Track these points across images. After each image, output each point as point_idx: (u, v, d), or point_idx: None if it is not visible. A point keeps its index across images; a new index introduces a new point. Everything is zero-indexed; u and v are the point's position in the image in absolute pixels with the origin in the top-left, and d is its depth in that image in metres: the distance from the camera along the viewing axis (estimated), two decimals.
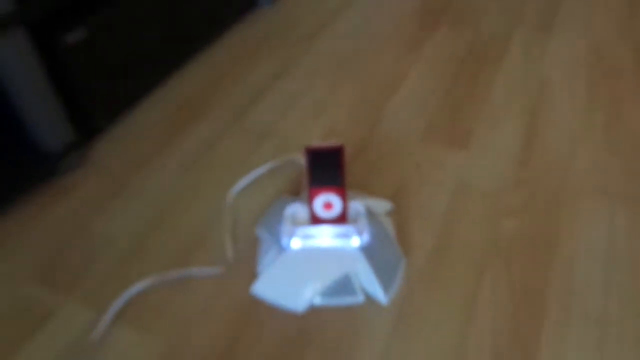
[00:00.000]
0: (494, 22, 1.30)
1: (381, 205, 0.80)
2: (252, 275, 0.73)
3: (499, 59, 1.16)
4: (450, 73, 1.13)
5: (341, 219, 0.70)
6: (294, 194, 0.85)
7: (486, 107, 1.02)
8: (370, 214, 0.74)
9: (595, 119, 0.98)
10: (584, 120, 0.98)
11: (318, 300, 0.69)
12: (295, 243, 0.70)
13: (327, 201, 0.69)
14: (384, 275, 0.69)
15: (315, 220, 0.70)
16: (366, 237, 0.70)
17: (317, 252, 0.70)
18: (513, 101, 1.04)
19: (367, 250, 0.70)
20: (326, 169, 0.67)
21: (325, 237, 0.70)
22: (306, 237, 0.70)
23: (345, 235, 0.70)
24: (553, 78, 1.09)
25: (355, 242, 0.70)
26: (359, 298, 0.69)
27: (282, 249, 0.71)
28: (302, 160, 0.91)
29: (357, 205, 0.74)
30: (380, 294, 0.69)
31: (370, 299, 0.69)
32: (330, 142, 0.68)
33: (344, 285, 0.69)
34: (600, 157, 0.90)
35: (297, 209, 0.74)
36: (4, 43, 0.76)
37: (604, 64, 1.13)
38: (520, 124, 0.98)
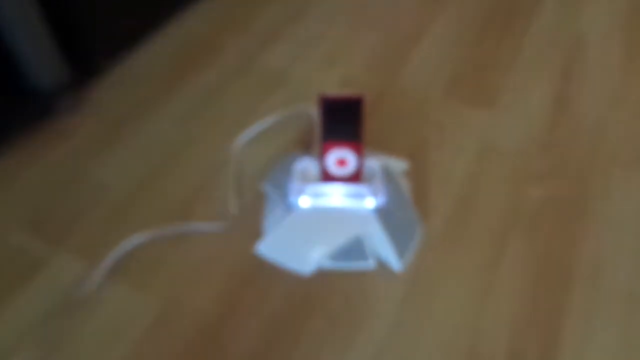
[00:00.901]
0: None
1: (398, 165, 0.74)
2: (257, 234, 0.68)
3: (531, 10, 1.07)
4: (478, 24, 1.04)
5: (355, 177, 0.65)
6: (305, 147, 0.79)
7: (515, 63, 0.94)
8: (387, 174, 0.68)
9: (633, 82, 0.90)
10: (621, 83, 0.90)
11: (327, 264, 0.64)
12: (304, 201, 0.64)
13: (341, 157, 0.63)
14: (398, 240, 0.64)
15: (327, 177, 0.65)
16: (381, 198, 0.64)
17: (328, 212, 0.65)
18: (545, 58, 0.95)
19: (382, 213, 0.64)
20: (342, 121, 0.61)
21: (336, 196, 0.65)
22: (316, 195, 0.65)
23: (359, 196, 0.64)
24: (589, 35, 1.01)
25: (370, 203, 0.64)
26: (371, 263, 0.64)
27: (289, 207, 0.65)
28: (314, 110, 0.84)
29: (372, 164, 0.67)
30: (393, 260, 0.64)
31: (382, 265, 0.65)
32: (349, 92, 0.61)
33: (355, 248, 0.64)
34: (637, 124, 0.83)
35: (307, 165, 0.68)
36: None
37: None
38: (552, 83, 0.90)
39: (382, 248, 0.64)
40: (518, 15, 1.06)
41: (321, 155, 0.63)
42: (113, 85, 0.92)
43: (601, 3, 1.08)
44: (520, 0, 1.10)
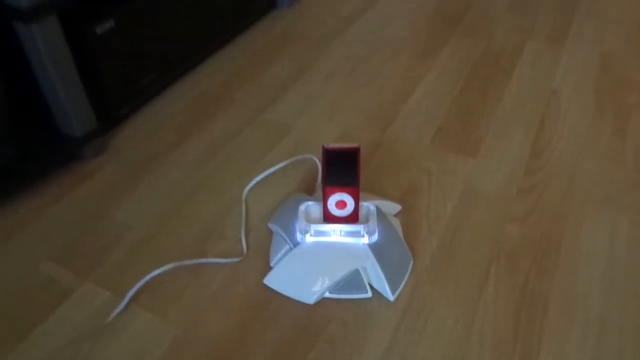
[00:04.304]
0: (507, 33, 1.33)
1: (391, 207, 0.83)
2: (265, 267, 0.76)
3: (510, 68, 1.19)
4: (462, 80, 1.15)
5: (353, 217, 0.73)
6: (307, 192, 0.88)
7: (496, 115, 1.05)
8: (381, 215, 0.76)
9: (602, 129, 1.01)
10: (592, 130, 1.01)
11: (328, 294, 0.72)
12: (309, 238, 0.73)
13: (340, 200, 0.72)
14: (391, 273, 0.72)
15: (329, 217, 0.73)
16: (376, 236, 0.73)
17: (329, 247, 0.73)
18: (523, 110, 1.06)
19: (376, 249, 0.72)
20: (342, 168, 0.70)
21: (337, 234, 0.73)
22: (319, 233, 0.73)
23: (356, 234, 0.73)
24: (563, 88, 1.12)
25: (366, 240, 0.72)
26: (368, 293, 0.72)
27: (295, 243, 0.73)
28: (315, 159, 0.94)
29: (368, 206, 0.76)
30: (387, 291, 0.71)
31: (377, 295, 0.72)
32: (347, 143, 0.71)
33: (353, 280, 0.72)
34: (606, 167, 0.92)
35: (310, 207, 0.76)
36: (38, 29, 0.79)
37: (613, 76, 1.15)
38: (529, 132, 1.01)
39: (377, 280, 0.72)
40: (498, 72, 1.18)
41: (324, 198, 0.72)
42: (133, 133, 1.02)
43: (573, 61, 1.21)
44: (501, 58, 1.22)
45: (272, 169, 0.92)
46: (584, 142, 0.98)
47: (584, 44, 1.28)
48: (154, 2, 1.00)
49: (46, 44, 0.81)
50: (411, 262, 0.76)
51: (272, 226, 0.80)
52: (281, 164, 0.93)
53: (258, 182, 0.90)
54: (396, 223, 0.80)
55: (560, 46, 1.27)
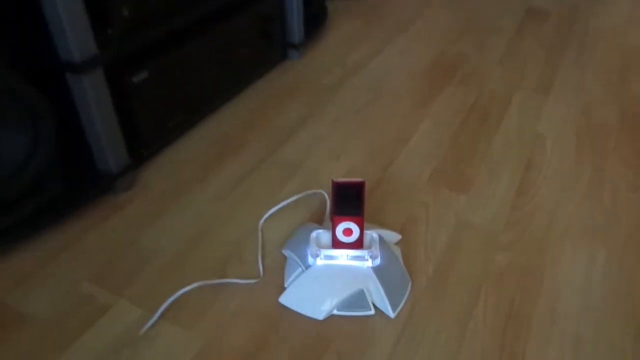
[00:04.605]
0: (497, 83, 1.46)
1: (392, 236, 0.93)
2: (279, 288, 0.85)
3: (500, 114, 1.31)
4: (456, 125, 1.27)
5: (358, 244, 0.83)
6: (317, 222, 0.99)
7: (487, 157, 1.16)
8: (383, 242, 0.87)
9: (582, 170, 1.12)
10: (573, 171, 1.12)
11: (336, 311, 0.81)
12: (319, 262, 0.83)
13: (347, 228, 0.82)
14: (392, 293, 0.82)
15: (337, 243, 0.84)
16: (378, 260, 0.83)
17: (337, 270, 0.83)
18: (511, 152, 1.18)
19: (379, 271, 0.82)
20: (349, 200, 0.81)
21: (344, 258, 0.83)
22: (328, 257, 0.83)
23: (361, 258, 0.83)
24: (547, 134, 1.24)
25: (369, 264, 0.82)
26: (371, 311, 0.81)
27: (307, 266, 0.83)
28: (324, 194, 1.05)
29: (372, 234, 0.87)
30: (388, 309, 0.81)
31: (379, 312, 0.82)
32: (354, 178, 0.82)
33: (358, 299, 0.81)
34: (585, 205, 1.03)
35: (320, 234, 0.87)
36: (87, 80, 0.91)
37: (592, 124, 1.27)
38: (516, 172, 1.12)
39: (380, 299, 0.81)
40: (489, 118, 1.30)
41: (333, 226, 0.82)
42: (160, 169, 1.14)
43: (557, 109, 1.33)
44: (491, 106, 1.35)
45: (285, 202, 1.03)
46: (566, 181, 1.09)
47: (567, 93, 1.41)
48: (182, 55, 1.14)
49: (92, 92, 0.94)
50: (410, 284, 0.86)
51: (286, 252, 0.90)
52: (293, 198, 1.04)
53: (273, 214, 1.01)
54: (396, 250, 0.90)
55: (545, 95, 1.40)
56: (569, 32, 1.76)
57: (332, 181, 0.80)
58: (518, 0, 2.04)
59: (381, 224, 0.98)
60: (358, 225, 0.82)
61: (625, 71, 1.51)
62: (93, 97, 0.94)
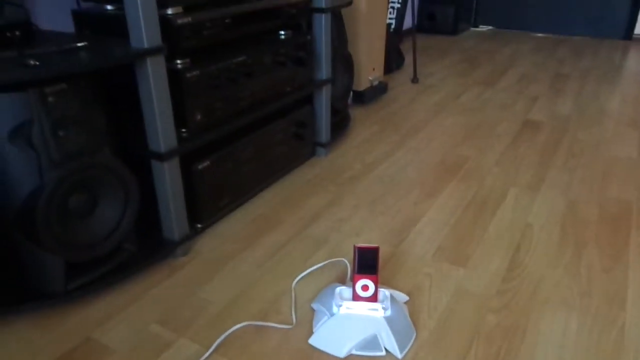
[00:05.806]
0: (494, 180, 1.72)
1: (401, 296, 1.14)
2: (309, 332, 1.06)
3: (496, 206, 1.56)
4: (458, 214, 1.52)
5: (374, 298, 1.05)
6: (340, 282, 1.20)
7: (483, 240, 1.39)
8: (393, 299, 1.08)
9: (564, 253, 1.33)
10: (556, 254, 1.33)
11: (354, 351, 1.01)
12: (342, 311, 1.04)
13: (365, 284, 1.04)
14: (400, 338, 1.01)
15: (356, 297, 1.05)
16: (389, 312, 1.04)
17: (356, 318, 1.04)
18: (503, 237, 1.40)
19: (389, 321, 1.03)
20: (366, 261, 1.04)
21: (361, 309, 1.04)
22: (349, 308, 1.04)
23: (375, 309, 1.04)
24: (534, 224, 1.47)
25: (382, 314, 1.03)
26: (382, 352, 1.00)
27: (332, 315, 1.05)
28: (346, 261, 1.27)
29: (385, 291, 1.08)
30: (396, 351, 1.00)
31: (389, 354, 1.01)
32: (370, 244, 1.05)
33: (372, 342, 1.01)
34: (564, 279, 1.23)
35: (343, 290, 1.09)
36: (167, 166, 1.20)
37: (575, 217, 1.50)
38: (507, 253, 1.34)
39: (389, 343, 1.01)
40: (486, 208, 1.54)
41: (353, 282, 1.05)
42: (210, 240, 1.38)
43: (545, 203, 1.57)
44: (488, 199, 1.60)
45: (313, 267, 1.26)
46: (549, 261, 1.30)
47: (555, 190, 1.65)
48: (234, 150, 1.43)
49: (169, 176, 1.22)
50: (414, 334, 1.05)
51: (315, 305, 1.11)
52: (320, 264, 1.27)
53: (303, 277, 1.23)
54: (404, 307, 1.11)
55: (535, 192, 1.65)
56: (560, 141, 2.05)
57: (354, 246, 1.04)
58: (517, 113, 2.36)
59: (393, 287, 1.19)
60: (373, 282, 1.04)
61: (606, 176, 1.76)
62: (170, 179, 1.22)
